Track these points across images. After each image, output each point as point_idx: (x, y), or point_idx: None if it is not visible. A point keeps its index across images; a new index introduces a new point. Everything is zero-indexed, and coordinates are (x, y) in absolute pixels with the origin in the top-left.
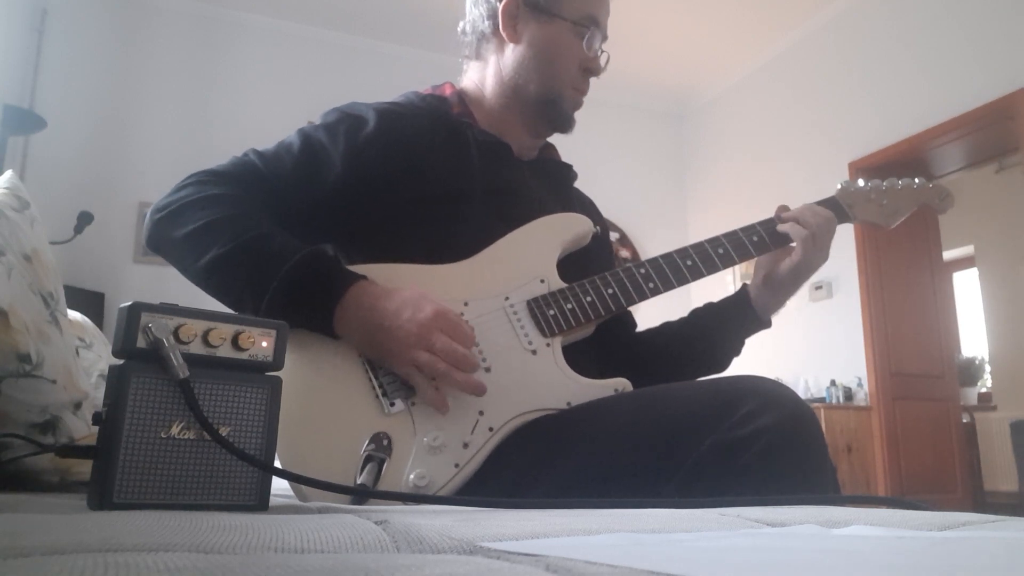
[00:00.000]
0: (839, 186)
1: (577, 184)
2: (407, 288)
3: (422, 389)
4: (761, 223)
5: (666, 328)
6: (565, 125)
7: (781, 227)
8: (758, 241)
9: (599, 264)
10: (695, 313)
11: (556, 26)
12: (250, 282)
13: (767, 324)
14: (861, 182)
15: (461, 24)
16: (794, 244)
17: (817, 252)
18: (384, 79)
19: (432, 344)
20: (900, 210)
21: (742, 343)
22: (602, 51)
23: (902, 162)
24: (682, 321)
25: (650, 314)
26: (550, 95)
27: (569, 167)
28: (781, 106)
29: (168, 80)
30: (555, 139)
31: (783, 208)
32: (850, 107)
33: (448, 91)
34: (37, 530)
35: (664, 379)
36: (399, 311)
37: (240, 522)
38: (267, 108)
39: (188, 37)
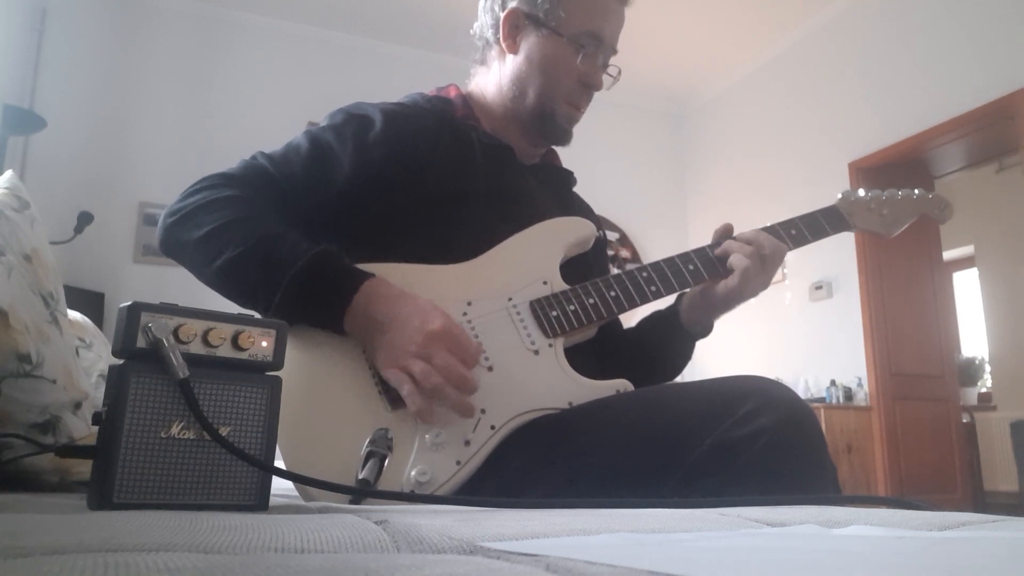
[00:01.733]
0: (839, 195)
1: (578, 184)
2: (421, 297)
3: (410, 395)
4: (764, 230)
5: (629, 332)
6: (560, 139)
7: (721, 251)
8: None
9: (597, 268)
10: (642, 322)
11: (554, 41)
12: (262, 282)
13: (704, 334)
14: (861, 191)
15: (474, 27)
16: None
17: (756, 282)
18: (384, 79)
19: (431, 356)
20: (900, 220)
21: (690, 349)
22: (609, 64)
23: (902, 162)
24: (635, 328)
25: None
26: (544, 109)
27: (570, 173)
28: (781, 106)
29: (168, 80)
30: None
31: (727, 229)
32: (850, 107)
33: (453, 93)
34: (37, 530)
35: (642, 380)
36: (409, 317)
37: (240, 522)
38: (267, 108)
39: (188, 37)
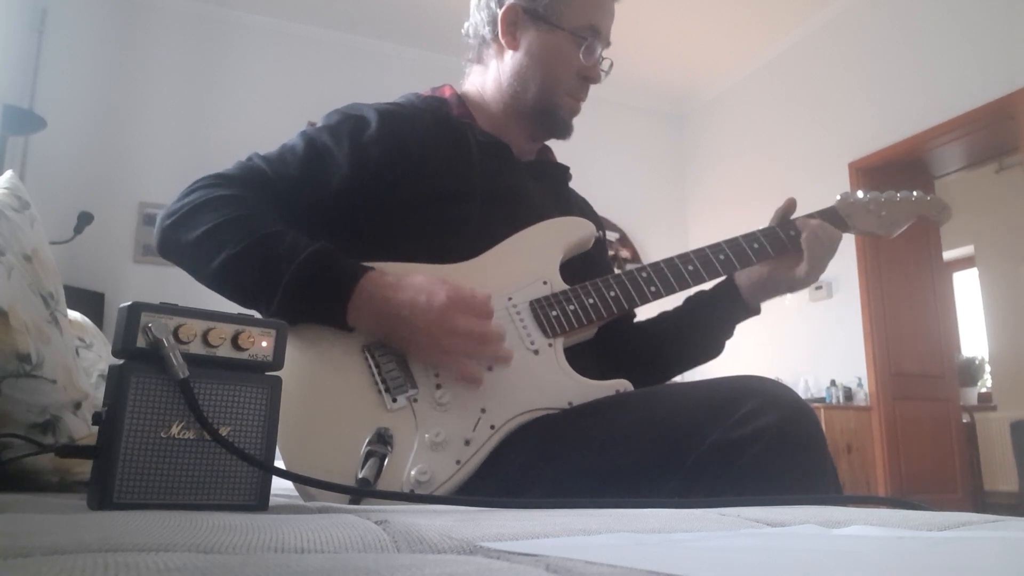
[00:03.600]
0: (838, 197)
1: (578, 184)
2: (415, 276)
3: (454, 369)
4: (762, 231)
5: (663, 318)
6: (562, 132)
7: (803, 234)
8: (759, 248)
9: (598, 267)
10: (689, 302)
11: (554, 35)
12: (262, 281)
13: (756, 312)
14: (860, 193)
15: (465, 27)
16: (799, 254)
17: (821, 268)
18: (384, 79)
19: (455, 327)
20: (899, 222)
21: (733, 328)
22: (603, 58)
23: (902, 162)
24: (678, 311)
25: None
26: (547, 103)
27: (565, 168)
28: (781, 106)
29: (168, 80)
30: (554, 140)
31: (792, 202)
32: (850, 107)
33: (447, 92)
34: (37, 530)
35: (664, 369)
36: (414, 299)
37: (240, 522)
38: (267, 108)
39: (188, 37)
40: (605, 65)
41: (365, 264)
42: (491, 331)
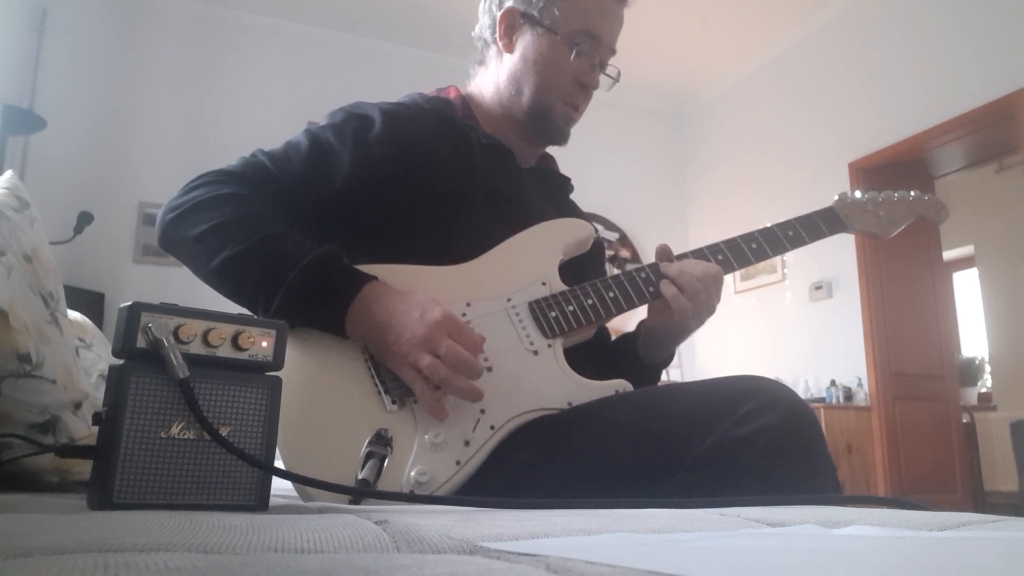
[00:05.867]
0: (836, 197)
1: (578, 183)
2: (418, 292)
3: (421, 393)
4: (760, 231)
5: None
6: (556, 138)
7: (663, 285)
8: (756, 248)
9: (592, 270)
10: (614, 343)
11: (548, 39)
12: (262, 282)
13: (665, 364)
14: (858, 193)
15: (474, 30)
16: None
17: (700, 314)
18: (384, 79)
19: (437, 347)
20: (897, 221)
21: (656, 371)
22: (608, 65)
23: (902, 162)
24: (611, 345)
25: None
26: (539, 107)
27: (567, 179)
28: (781, 106)
29: (168, 80)
30: (553, 148)
31: (666, 249)
32: (850, 107)
33: (452, 94)
34: (37, 530)
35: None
36: (408, 312)
37: (240, 522)
38: (267, 108)
39: (188, 37)
40: (612, 72)
41: (369, 273)
42: (474, 363)
